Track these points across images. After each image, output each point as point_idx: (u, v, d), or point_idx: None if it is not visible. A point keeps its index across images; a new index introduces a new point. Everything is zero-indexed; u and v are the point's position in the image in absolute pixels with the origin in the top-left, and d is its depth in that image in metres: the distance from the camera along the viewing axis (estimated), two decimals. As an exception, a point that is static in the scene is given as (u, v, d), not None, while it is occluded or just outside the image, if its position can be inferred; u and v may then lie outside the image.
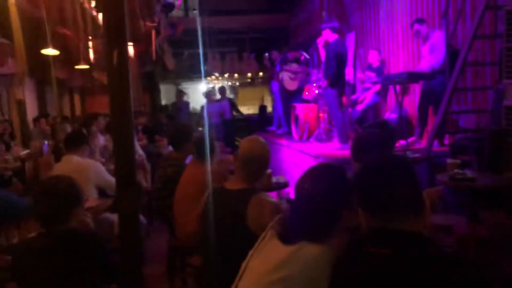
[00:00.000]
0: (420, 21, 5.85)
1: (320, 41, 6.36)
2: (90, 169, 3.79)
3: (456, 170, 3.49)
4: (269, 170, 3.82)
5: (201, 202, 2.40)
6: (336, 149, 6.12)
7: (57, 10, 6.32)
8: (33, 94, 10.05)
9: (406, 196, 1.31)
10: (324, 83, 6.10)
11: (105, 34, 3.24)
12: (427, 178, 4.77)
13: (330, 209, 1.51)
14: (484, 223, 3.77)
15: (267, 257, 1.58)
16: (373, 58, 7.18)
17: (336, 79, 5.84)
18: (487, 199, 3.93)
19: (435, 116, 5.51)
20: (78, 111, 13.98)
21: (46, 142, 5.10)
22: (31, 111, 9.68)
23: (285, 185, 4.08)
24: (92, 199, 3.49)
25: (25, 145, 7.80)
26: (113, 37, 3.16)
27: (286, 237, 1.55)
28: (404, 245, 1.25)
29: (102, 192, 4.00)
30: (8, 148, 6.85)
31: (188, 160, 3.82)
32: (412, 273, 1.19)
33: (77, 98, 14.19)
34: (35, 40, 7.15)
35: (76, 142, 3.92)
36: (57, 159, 4.00)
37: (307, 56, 7.67)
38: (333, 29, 5.95)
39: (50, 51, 7.14)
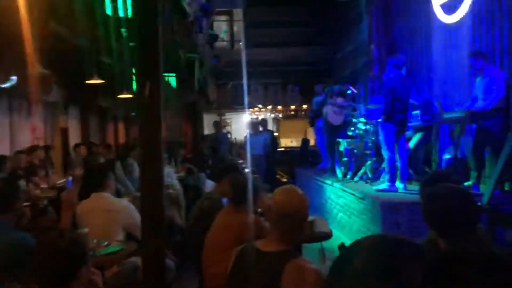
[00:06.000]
0: (476, 55, 5.35)
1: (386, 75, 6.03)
2: (120, 210, 3.50)
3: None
4: (310, 218, 3.42)
5: (232, 256, 2.09)
6: (382, 190, 5.73)
7: (102, 39, 6.31)
8: (77, 122, 10.16)
9: None
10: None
11: (139, 65, 3.08)
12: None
13: None
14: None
15: None
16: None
17: (389, 114, 5.52)
18: None
19: (492, 158, 5.04)
20: (122, 139, 14.11)
21: (70, 177, 4.84)
22: (74, 138, 9.76)
23: (329, 235, 3.63)
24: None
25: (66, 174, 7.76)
26: (146, 68, 2.98)
27: None
28: None
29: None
30: (46, 176, 6.82)
31: (224, 200, 3.50)
32: None
33: (121, 126, 14.35)
34: (79, 69, 7.21)
35: (96, 179, 3.60)
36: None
37: (354, 91, 7.31)
38: (397, 66, 5.66)
39: (94, 80, 7.19)
